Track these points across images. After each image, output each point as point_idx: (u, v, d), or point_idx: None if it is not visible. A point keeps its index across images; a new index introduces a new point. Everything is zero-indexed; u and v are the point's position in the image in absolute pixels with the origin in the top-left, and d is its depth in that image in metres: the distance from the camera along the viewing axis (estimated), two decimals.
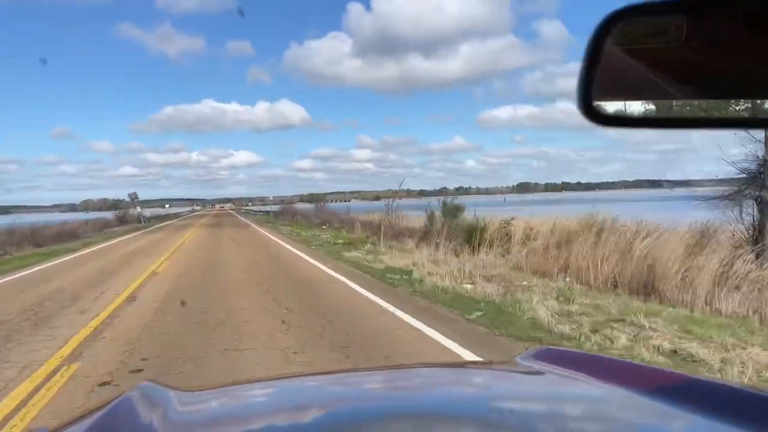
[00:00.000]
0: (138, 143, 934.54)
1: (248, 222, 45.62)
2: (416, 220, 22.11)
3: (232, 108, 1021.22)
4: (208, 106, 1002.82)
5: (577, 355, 1.63)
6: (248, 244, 20.85)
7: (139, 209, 56.01)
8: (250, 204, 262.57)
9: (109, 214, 53.78)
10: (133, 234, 32.77)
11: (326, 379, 1.64)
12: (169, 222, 55.52)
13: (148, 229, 38.69)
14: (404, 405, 1.19)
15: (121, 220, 50.61)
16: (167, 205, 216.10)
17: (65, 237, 31.28)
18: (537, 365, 1.41)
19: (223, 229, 33.20)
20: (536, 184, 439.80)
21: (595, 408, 1.17)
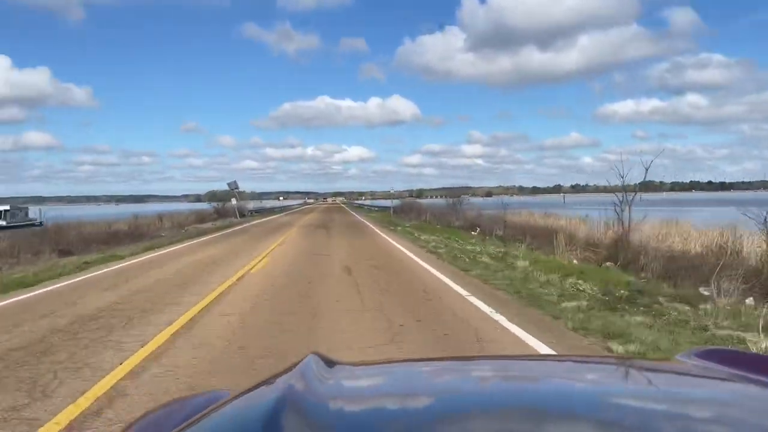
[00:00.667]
0: (258, 138, 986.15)
1: (364, 221, 36.48)
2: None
3: (346, 104, 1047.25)
4: (323, 102, 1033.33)
5: (747, 356, 1.53)
6: (380, 280, 10.24)
7: (234, 201, 47.96)
8: (362, 198, 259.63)
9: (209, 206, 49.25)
10: (209, 237, 23.99)
11: (457, 364, 1.64)
12: (269, 218, 48.60)
13: (235, 228, 30.12)
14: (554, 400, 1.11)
15: (220, 213, 45.32)
16: (281, 198, 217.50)
17: (130, 237, 23.74)
18: (702, 364, 1.30)
19: (332, 234, 23.73)
20: (661, 182, 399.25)
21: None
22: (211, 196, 49.48)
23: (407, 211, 43.83)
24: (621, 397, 1.16)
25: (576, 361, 1.79)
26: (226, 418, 1.14)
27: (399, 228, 27.06)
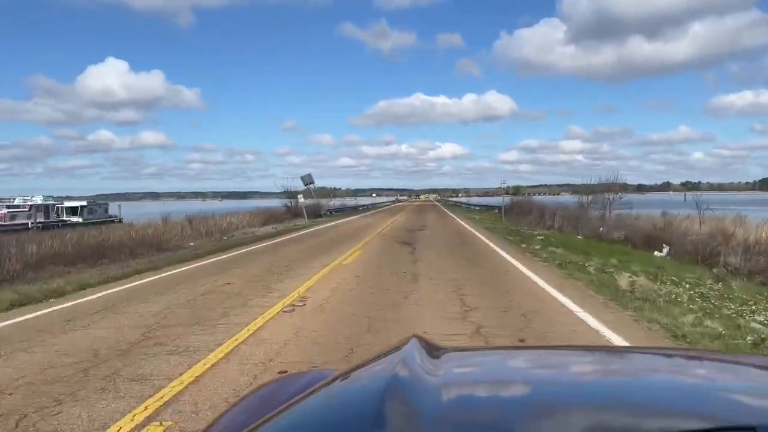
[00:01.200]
0: (353, 136, 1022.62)
1: (470, 228, 25.44)
2: None
3: (440, 101, 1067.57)
4: (417, 99, 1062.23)
5: None
6: None
7: (302, 199, 39.77)
8: (458, 195, 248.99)
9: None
10: (240, 251, 16.40)
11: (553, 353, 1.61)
12: (345, 219, 40.12)
13: (287, 237, 21.99)
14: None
15: (294, 213, 39.75)
16: (374, 195, 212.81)
17: (149, 246, 16.88)
18: None
19: (422, 254, 14.17)
20: None
21: None
22: (290, 194, 42.40)
23: (521, 213, 34.74)
24: (726, 392, 1.11)
25: (679, 356, 1.67)
26: (333, 400, 1.16)
27: (533, 244, 16.48)
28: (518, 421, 0.96)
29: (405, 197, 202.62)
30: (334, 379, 1.30)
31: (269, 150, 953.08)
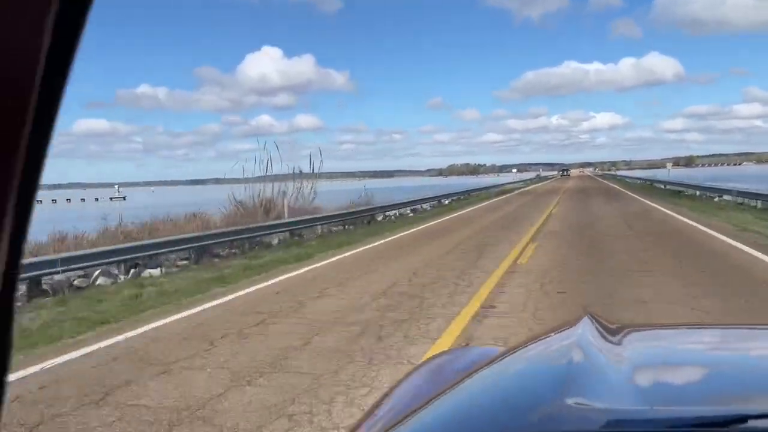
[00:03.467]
0: (501, 110, 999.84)
1: None
2: None
3: (594, 68, 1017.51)
4: (568, 68, 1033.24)
5: None
6: None
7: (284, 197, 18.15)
8: (614, 168, 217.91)
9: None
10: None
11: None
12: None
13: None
14: None
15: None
16: (514, 170, 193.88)
17: None
18: None
19: None
20: None
21: None
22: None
23: None
24: None
25: None
26: (515, 375, 1.18)
27: None
28: (714, 403, 0.92)
29: (556, 172, 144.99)
30: (505, 355, 1.31)
31: (415, 128, 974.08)
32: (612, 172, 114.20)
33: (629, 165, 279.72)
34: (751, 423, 0.75)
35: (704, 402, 0.94)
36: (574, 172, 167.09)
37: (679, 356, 1.30)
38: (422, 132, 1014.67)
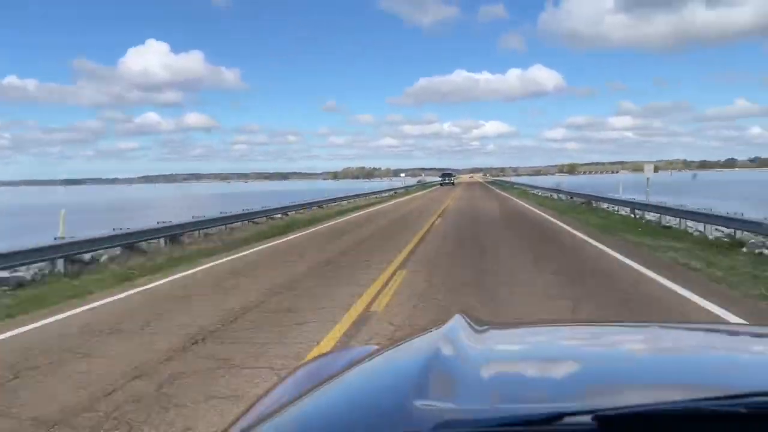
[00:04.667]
0: (396, 115, 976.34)
1: None
2: None
3: (484, 77, 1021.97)
4: (459, 76, 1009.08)
5: None
6: None
7: None
8: (501, 174, 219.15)
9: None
10: None
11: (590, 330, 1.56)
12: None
13: None
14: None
15: None
16: (403, 175, 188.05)
17: None
18: None
19: None
20: None
21: None
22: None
23: None
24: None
25: (717, 330, 1.71)
26: (373, 374, 1.19)
27: None
28: (555, 396, 0.95)
29: (445, 178, 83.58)
30: (374, 354, 1.34)
31: (310, 131, 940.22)
32: (503, 178, 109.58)
33: (516, 171, 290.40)
34: (567, 420, 0.77)
35: (550, 399, 0.93)
36: (463, 177, 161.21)
37: (538, 354, 1.29)
38: (318, 134, 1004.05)
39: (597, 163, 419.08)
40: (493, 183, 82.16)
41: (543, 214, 21.33)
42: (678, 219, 15.11)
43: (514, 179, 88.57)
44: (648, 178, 20.88)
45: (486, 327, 1.42)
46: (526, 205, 27.13)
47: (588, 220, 17.99)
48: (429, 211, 24.42)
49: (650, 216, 17.33)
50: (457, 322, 1.37)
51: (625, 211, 20.53)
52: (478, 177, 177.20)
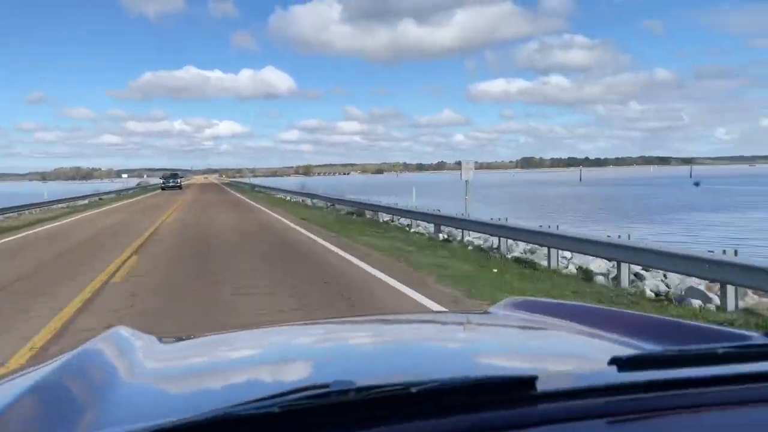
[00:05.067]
0: (118, 111, 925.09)
1: None
2: None
3: (215, 75, 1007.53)
4: (189, 73, 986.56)
5: (546, 303, 1.67)
6: None
7: None
8: (237, 175, 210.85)
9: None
10: None
11: (305, 329, 1.59)
12: None
13: None
14: (391, 358, 1.17)
15: None
16: (125, 176, 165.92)
17: None
18: (514, 314, 1.46)
19: None
20: (541, 159, 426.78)
21: (583, 344, 1.22)
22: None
23: None
24: (439, 349, 1.27)
25: (393, 320, 1.86)
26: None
27: None
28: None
29: (168, 181, 58.29)
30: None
31: (13, 124, 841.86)
32: (240, 180, 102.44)
33: (253, 172, 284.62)
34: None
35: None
36: (198, 178, 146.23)
37: (208, 362, 1.22)
38: (21, 129, 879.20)
39: (330, 165, 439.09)
40: (230, 185, 75.40)
41: (313, 236, 13.50)
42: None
43: (254, 180, 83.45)
44: (467, 181, 16.45)
45: (147, 340, 1.30)
46: (281, 218, 19.21)
47: (410, 256, 10.39)
48: (130, 232, 15.39)
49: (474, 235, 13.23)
50: (111, 336, 1.27)
51: (425, 226, 15.54)
52: (213, 178, 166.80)
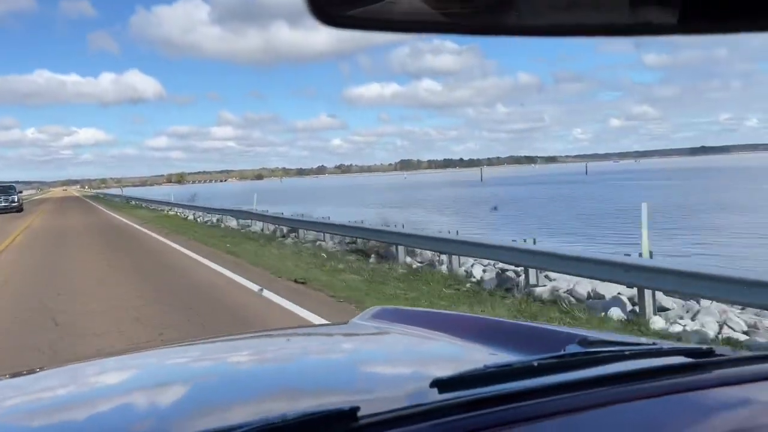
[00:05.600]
0: None
1: None
2: None
3: (72, 80, 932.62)
4: (42, 77, 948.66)
5: (411, 312, 1.70)
6: None
7: None
8: (103, 185, 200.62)
9: None
10: None
11: (169, 351, 1.59)
12: None
13: None
14: (268, 376, 1.19)
15: None
16: None
17: None
18: (377, 324, 1.49)
19: None
20: (419, 161, 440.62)
21: (431, 356, 1.27)
22: None
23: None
24: (275, 374, 1.23)
25: (259, 335, 1.84)
26: None
27: None
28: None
29: None
30: None
31: None
32: (107, 191, 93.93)
33: (120, 182, 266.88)
34: None
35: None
36: (56, 191, 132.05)
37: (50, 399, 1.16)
38: None
39: (205, 172, 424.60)
40: (95, 197, 64.94)
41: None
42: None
43: (124, 192, 70.75)
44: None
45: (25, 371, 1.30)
46: (192, 255, 12.02)
47: None
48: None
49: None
50: None
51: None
52: (74, 190, 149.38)
